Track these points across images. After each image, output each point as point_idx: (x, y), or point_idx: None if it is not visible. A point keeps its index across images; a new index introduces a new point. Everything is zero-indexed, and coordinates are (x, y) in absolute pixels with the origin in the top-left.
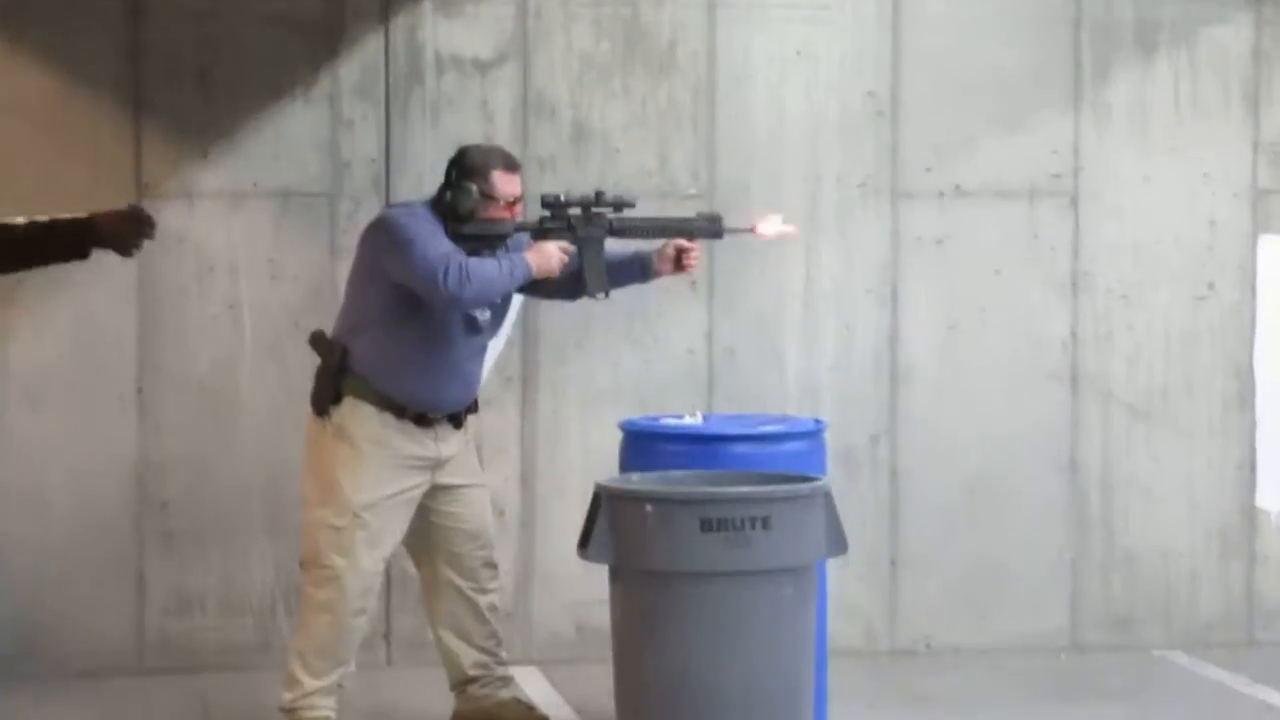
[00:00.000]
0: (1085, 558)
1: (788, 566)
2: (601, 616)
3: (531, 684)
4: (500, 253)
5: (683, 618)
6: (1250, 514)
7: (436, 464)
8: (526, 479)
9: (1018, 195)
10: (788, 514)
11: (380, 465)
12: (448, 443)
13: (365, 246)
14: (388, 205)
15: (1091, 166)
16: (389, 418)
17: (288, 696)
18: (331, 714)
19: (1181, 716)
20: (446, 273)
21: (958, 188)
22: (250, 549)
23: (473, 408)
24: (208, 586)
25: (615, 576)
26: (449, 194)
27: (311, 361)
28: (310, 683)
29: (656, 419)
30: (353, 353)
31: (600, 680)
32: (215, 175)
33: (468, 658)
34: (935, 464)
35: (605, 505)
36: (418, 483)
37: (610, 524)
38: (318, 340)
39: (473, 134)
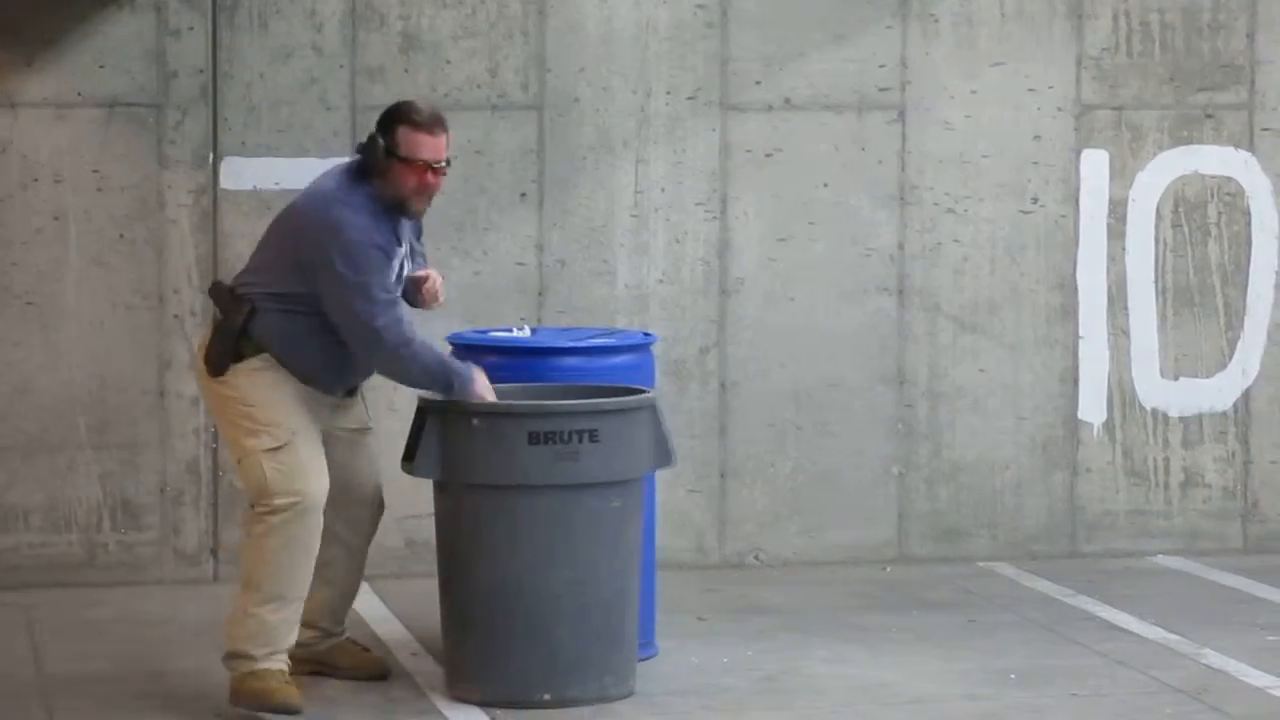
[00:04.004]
0: (912, 470)
1: (615, 479)
2: (431, 530)
3: (361, 599)
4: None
5: (511, 531)
6: (1073, 426)
7: (329, 426)
8: None
9: (846, 108)
10: (615, 427)
11: (291, 389)
12: (342, 410)
13: (300, 241)
14: (328, 193)
15: (919, 80)
16: (286, 375)
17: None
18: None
19: (1006, 627)
20: (381, 344)
21: (787, 100)
22: (76, 463)
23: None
24: (32, 502)
25: (442, 490)
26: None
27: (139, 273)
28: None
29: (484, 332)
30: (259, 316)
31: (430, 594)
32: (40, 84)
33: (322, 609)
34: (764, 376)
35: (431, 419)
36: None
37: (437, 438)
38: (220, 293)
39: (301, 44)
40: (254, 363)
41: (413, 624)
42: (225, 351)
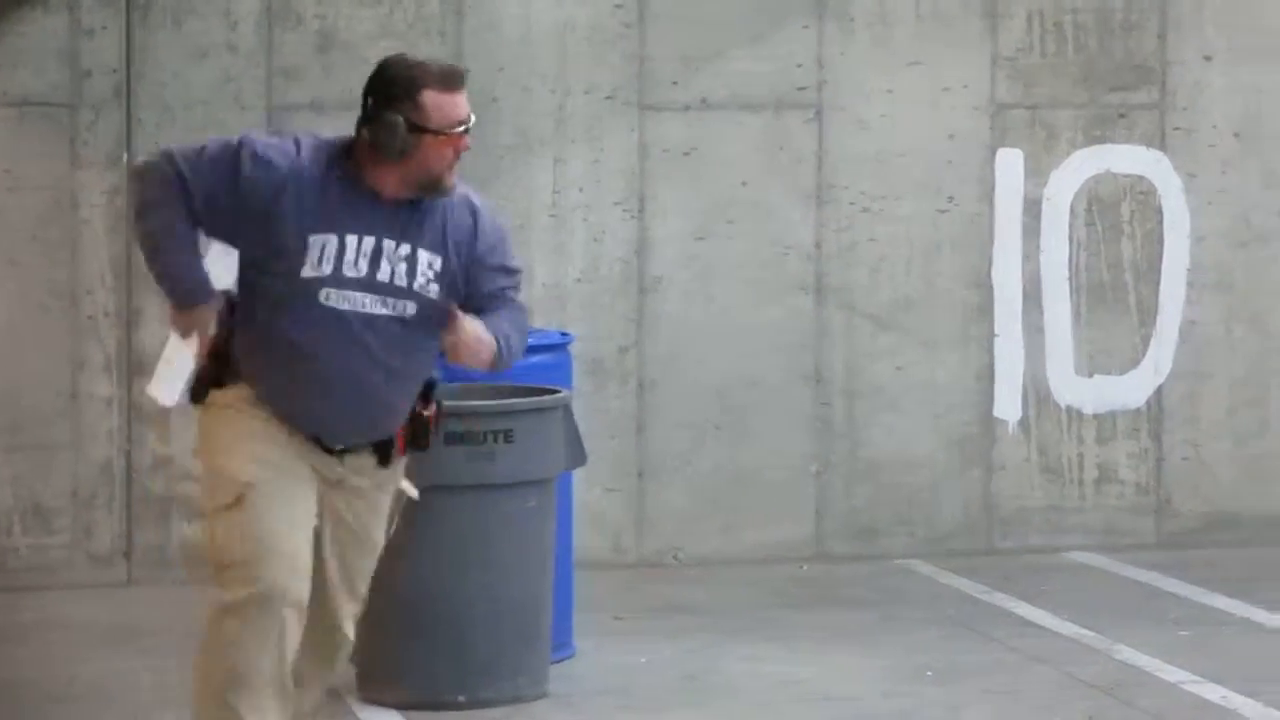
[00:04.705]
0: (830, 468)
1: (531, 479)
2: None
3: None
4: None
5: (426, 532)
6: (989, 424)
7: (334, 483)
8: None
9: (763, 108)
10: (530, 427)
11: (267, 429)
12: (360, 475)
13: None
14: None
15: (835, 79)
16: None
17: None
18: None
19: (922, 624)
20: (139, 174)
21: (704, 100)
22: None
23: (421, 439)
24: None
25: None
26: (366, 130)
27: (52, 273)
28: None
29: None
30: (236, 340)
31: None
32: None
33: None
34: (683, 375)
35: None
36: (309, 474)
37: None
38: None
39: (216, 43)
40: (229, 394)
41: None
42: (203, 375)
